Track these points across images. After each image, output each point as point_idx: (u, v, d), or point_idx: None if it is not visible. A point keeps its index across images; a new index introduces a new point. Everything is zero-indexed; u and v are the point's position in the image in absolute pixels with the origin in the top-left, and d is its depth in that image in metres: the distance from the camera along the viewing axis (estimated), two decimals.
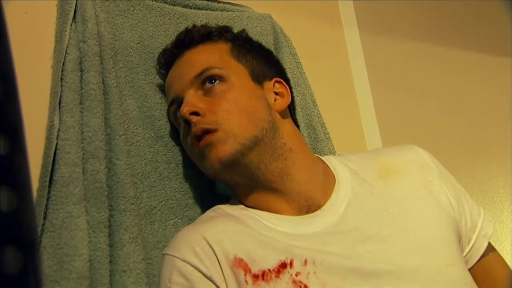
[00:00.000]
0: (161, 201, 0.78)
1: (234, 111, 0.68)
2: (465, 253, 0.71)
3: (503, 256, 0.76)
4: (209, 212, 0.73)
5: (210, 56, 0.74)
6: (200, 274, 0.61)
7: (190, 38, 0.77)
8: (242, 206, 0.71)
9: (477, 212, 0.74)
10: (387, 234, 0.64)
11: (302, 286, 0.58)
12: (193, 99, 0.70)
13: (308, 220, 0.66)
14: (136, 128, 0.79)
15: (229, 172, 0.68)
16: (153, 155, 0.80)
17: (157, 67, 0.82)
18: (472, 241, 0.72)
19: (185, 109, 0.69)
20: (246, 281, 0.59)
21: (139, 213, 0.71)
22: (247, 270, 0.60)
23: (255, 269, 0.60)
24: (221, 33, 0.78)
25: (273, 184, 0.69)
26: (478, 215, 0.74)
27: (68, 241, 0.61)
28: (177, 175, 0.81)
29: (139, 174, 0.77)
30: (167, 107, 0.79)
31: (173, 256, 0.63)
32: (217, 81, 0.71)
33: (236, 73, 0.72)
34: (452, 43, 1.44)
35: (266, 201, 0.69)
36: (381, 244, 0.63)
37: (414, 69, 1.34)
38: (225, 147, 0.66)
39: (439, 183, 0.72)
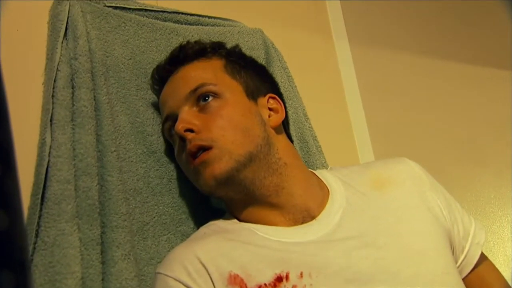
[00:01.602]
0: (154, 217, 0.77)
1: (228, 128, 0.68)
2: (459, 262, 0.72)
3: (495, 262, 0.76)
4: (203, 229, 0.72)
5: (205, 73, 0.74)
6: None
7: (184, 55, 0.78)
8: (235, 220, 0.71)
9: (468, 220, 0.75)
10: (383, 242, 0.64)
11: None
12: (187, 116, 0.70)
13: (303, 230, 0.67)
14: (128, 144, 0.79)
15: (224, 189, 0.68)
16: (146, 170, 0.80)
17: (151, 82, 0.83)
18: (466, 250, 0.72)
19: (180, 126, 0.69)
20: None
21: (132, 229, 0.71)
22: (243, 286, 0.60)
23: (251, 284, 0.60)
24: (215, 49, 0.78)
25: (268, 199, 0.69)
26: (469, 223, 0.74)
27: (60, 259, 0.60)
28: (170, 190, 0.81)
29: (132, 190, 0.77)
30: (161, 124, 0.79)
31: (166, 275, 0.63)
32: (211, 98, 0.71)
33: (231, 89, 0.73)
34: (441, 53, 1.46)
35: (261, 215, 0.69)
36: (378, 252, 0.63)
37: (404, 80, 1.35)
38: (220, 164, 0.66)
39: (431, 193, 0.72)
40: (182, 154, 0.72)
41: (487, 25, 1.63)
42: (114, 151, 0.74)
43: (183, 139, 0.70)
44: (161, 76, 0.79)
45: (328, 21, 1.13)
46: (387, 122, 1.22)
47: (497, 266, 0.76)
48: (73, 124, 0.69)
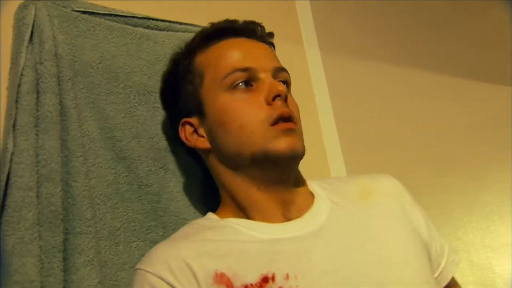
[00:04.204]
0: (124, 223, 0.77)
1: (299, 119, 0.73)
2: (435, 276, 0.73)
3: (459, 272, 0.78)
4: (185, 228, 0.72)
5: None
6: None
7: (262, 34, 0.79)
8: (217, 218, 0.72)
9: (444, 241, 0.77)
10: (368, 248, 0.65)
11: None
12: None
13: (289, 226, 0.67)
14: (97, 150, 0.79)
15: (285, 162, 0.68)
16: (115, 176, 0.79)
17: (212, 25, 0.79)
18: (441, 266, 0.74)
19: (284, 88, 0.70)
20: None
21: (97, 235, 0.70)
22: (229, 285, 0.60)
23: (237, 284, 0.60)
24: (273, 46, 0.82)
25: (283, 193, 0.70)
26: (444, 243, 0.77)
27: (18, 268, 0.59)
28: (139, 197, 0.81)
29: (102, 195, 0.76)
30: (232, 69, 0.71)
31: (146, 271, 0.62)
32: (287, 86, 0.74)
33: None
34: (413, 62, 1.49)
35: (260, 206, 0.69)
36: (363, 257, 0.64)
37: (376, 89, 1.37)
38: (301, 143, 0.69)
39: (412, 209, 0.75)
40: (250, 108, 0.69)
41: (461, 36, 1.67)
42: (80, 156, 0.73)
43: (277, 96, 0.68)
44: (235, 28, 0.77)
45: (299, 28, 1.14)
46: (358, 131, 1.24)
47: (461, 271, 0.78)
48: (37, 130, 0.68)
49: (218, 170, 0.74)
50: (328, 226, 0.67)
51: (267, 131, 0.67)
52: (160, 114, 0.87)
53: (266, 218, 0.68)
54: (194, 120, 0.75)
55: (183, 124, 0.76)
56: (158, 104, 0.87)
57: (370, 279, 0.61)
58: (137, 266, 0.65)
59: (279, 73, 0.73)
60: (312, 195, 0.73)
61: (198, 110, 0.74)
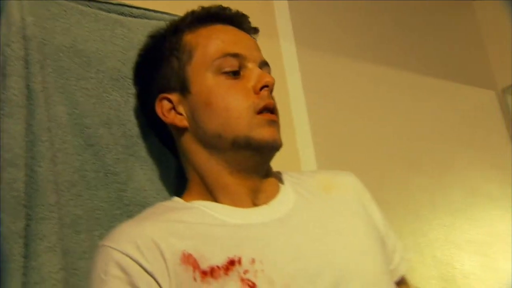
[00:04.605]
0: (88, 211, 0.76)
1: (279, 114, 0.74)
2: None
3: (424, 263, 0.80)
4: (151, 209, 0.72)
5: None
6: (140, 269, 0.60)
7: (249, 27, 0.79)
8: (183, 201, 0.72)
9: (396, 238, 0.79)
10: (329, 239, 0.67)
11: (250, 284, 0.59)
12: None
13: (256, 212, 0.69)
14: (64, 135, 0.77)
15: (266, 150, 0.70)
16: (82, 163, 0.78)
17: (203, 8, 0.78)
18: (394, 262, 0.76)
19: (272, 80, 0.71)
20: (194, 278, 0.59)
21: (60, 221, 0.69)
22: (195, 266, 0.60)
23: (204, 266, 0.60)
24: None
25: (254, 179, 0.71)
26: (397, 240, 0.79)
27: None
28: (106, 185, 0.80)
29: (66, 182, 0.75)
30: (222, 53, 0.72)
31: (112, 247, 0.62)
32: None
33: None
34: (387, 61, 1.51)
35: (230, 190, 0.70)
36: (324, 247, 0.66)
37: (350, 86, 1.39)
38: (279, 136, 0.71)
39: (370, 205, 0.78)
40: (238, 93, 0.70)
41: (434, 36, 1.70)
42: (46, 141, 0.72)
43: (264, 87, 0.70)
44: (226, 15, 0.77)
45: (275, 22, 1.14)
46: (330, 126, 1.25)
47: (426, 266, 0.81)
48: (1, 113, 0.67)
49: (192, 151, 0.73)
50: (293, 215, 0.69)
51: (253, 118, 0.68)
52: (134, 101, 0.86)
53: (234, 202, 0.69)
54: (174, 96, 0.74)
55: (161, 100, 0.75)
56: (133, 90, 0.86)
57: (331, 267, 0.63)
58: (102, 243, 0.64)
59: (264, 67, 0.75)
60: (278, 185, 0.74)
61: (182, 87, 0.73)
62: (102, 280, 0.60)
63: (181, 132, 0.74)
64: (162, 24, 0.92)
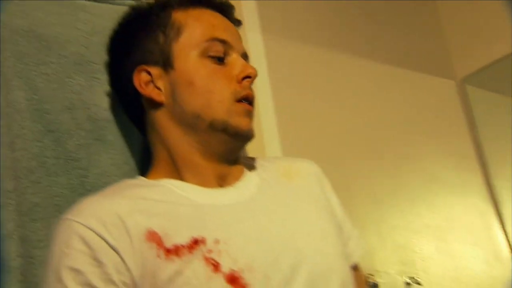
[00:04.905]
0: (46, 198, 0.75)
1: None
2: None
3: (385, 247, 0.83)
4: (115, 185, 0.72)
5: None
6: (105, 244, 0.60)
7: (235, 17, 0.80)
8: (147, 180, 0.73)
9: (352, 225, 0.82)
10: (289, 222, 0.69)
11: (214, 263, 0.60)
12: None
13: (221, 192, 0.70)
14: (23, 121, 0.76)
15: (241, 138, 0.72)
16: (41, 149, 0.77)
17: None
18: (349, 247, 0.79)
19: (255, 72, 0.73)
20: (158, 255, 0.60)
21: (18, 208, 0.68)
22: (160, 244, 0.61)
23: (168, 244, 0.61)
24: None
25: (224, 165, 0.73)
26: (353, 228, 0.82)
27: None
28: (67, 171, 0.79)
29: (24, 169, 0.74)
30: (211, 37, 0.73)
31: (75, 221, 0.61)
32: None
33: None
34: (355, 51, 1.53)
35: (198, 170, 0.71)
36: (285, 230, 0.68)
37: (317, 75, 1.41)
38: (252, 125, 0.73)
39: (329, 192, 0.81)
40: (221, 78, 0.71)
41: (396, 25, 1.73)
42: (3, 126, 0.71)
43: (247, 77, 0.72)
44: (215, 1, 0.78)
45: (240, 9, 1.14)
46: (295, 113, 1.27)
47: (387, 252, 0.84)
48: None
49: (165, 127, 0.73)
50: (256, 199, 0.71)
51: (232, 105, 0.70)
52: (98, 85, 0.85)
53: (201, 183, 0.70)
54: (154, 70, 0.73)
55: (140, 71, 0.74)
56: (97, 75, 0.85)
57: (291, 249, 0.66)
58: (65, 216, 0.63)
59: (245, 59, 0.77)
60: (243, 169, 0.76)
61: (165, 62, 0.72)
62: (64, 253, 0.59)
63: (156, 107, 0.74)
64: (125, 9, 0.91)
